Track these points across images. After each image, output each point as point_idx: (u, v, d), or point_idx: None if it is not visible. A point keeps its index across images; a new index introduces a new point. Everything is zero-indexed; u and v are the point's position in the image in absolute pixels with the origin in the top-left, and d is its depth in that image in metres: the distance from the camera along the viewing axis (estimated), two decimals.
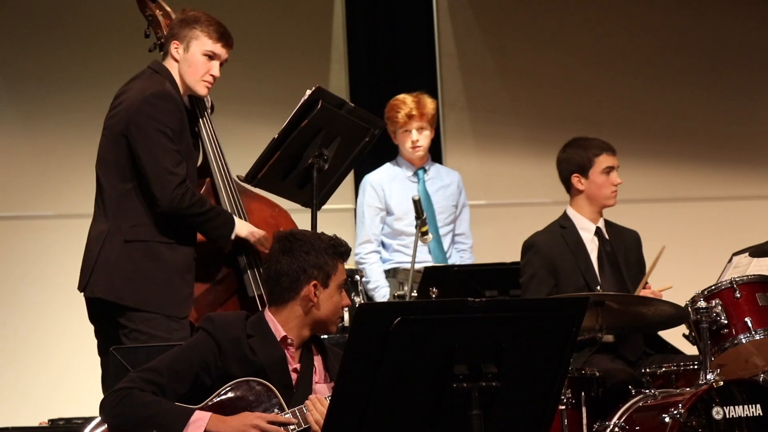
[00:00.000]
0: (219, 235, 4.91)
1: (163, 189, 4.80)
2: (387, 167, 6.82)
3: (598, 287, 5.60)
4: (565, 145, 5.86)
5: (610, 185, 5.73)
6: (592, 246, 5.73)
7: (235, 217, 4.98)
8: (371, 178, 6.79)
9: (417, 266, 6.52)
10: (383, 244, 6.76)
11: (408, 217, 6.65)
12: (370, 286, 6.67)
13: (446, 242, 6.78)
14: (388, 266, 6.72)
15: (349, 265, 5.40)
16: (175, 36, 5.00)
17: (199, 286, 4.98)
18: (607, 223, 5.82)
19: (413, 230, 6.62)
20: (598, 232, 5.75)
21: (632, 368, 5.51)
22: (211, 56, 4.98)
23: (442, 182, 6.84)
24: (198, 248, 4.97)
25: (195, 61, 4.96)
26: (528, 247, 5.73)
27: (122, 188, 4.88)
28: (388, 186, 6.72)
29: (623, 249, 5.77)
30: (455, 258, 6.78)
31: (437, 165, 6.93)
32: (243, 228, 4.96)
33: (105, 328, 4.92)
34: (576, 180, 5.75)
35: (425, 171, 6.80)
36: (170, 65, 4.99)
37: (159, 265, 4.85)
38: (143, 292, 4.81)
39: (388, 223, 6.73)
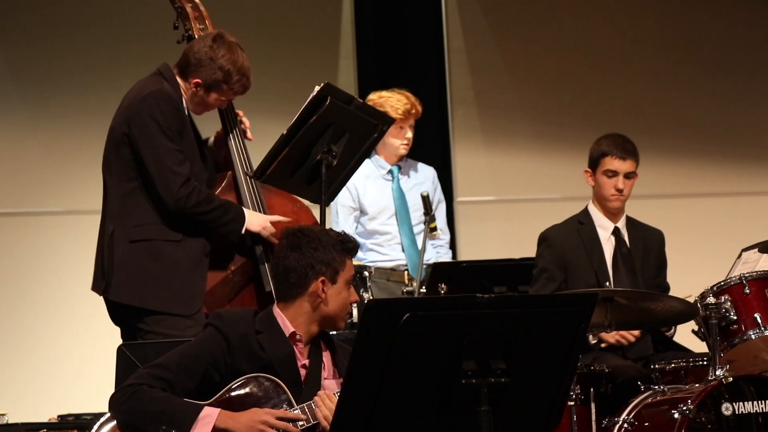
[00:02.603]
0: (228, 230, 4.92)
1: (168, 188, 4.81)
2: (361, 166, 6.70)
3: (608, 284, 5.60)
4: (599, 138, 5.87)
5: (611, 188, 5.70)
6: (608, 245, 5.73)
7: (247, 210, 4.98)
8: None
9: (390, 264, 6.51)
10: None
11: (382, 216, 6.61)
12: None
13: (420, 239, 6.71)
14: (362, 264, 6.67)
15: (356, 261, 5.39)
16: (199, 72, 4.93)
17: (214, 279, 4.98)
18: (630, 222, 5.80)
19: (387, 229, 6.60)
20: (615, 232, 5.74)
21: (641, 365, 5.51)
22: (225, 101, 5.05)
23: (417, 179, 6.74)
24: (213, 242, 4.97)
25: (208, 103, 5.01)
26: (542, 239, 5.75)
27: (126, 188, 4.88)
28: (362, 185, 6.64)
29: (642, 249, 5.75)
30: (431, 253, 6.68)
31: (412, 162, 6.81)
32: (254, 222, 4.96)
33: (125, 329, 4.93)
34: (587, 176, 5.76)
35: (399, 168, 6.73)
36: (179, 79, 4.97)
37: (164, 265, 4.84)
38: (148, 293, 4.81)
39: (362, 223, 6.66)
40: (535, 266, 5.72)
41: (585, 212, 5.80)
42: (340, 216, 6.64)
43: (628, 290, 5.44)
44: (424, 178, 6.77)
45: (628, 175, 5.72)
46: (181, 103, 4.95)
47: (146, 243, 4.85)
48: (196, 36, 5.13)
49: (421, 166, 6.83)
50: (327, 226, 4.73)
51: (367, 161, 6.65)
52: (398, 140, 6.57)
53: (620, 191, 5.69)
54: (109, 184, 4.95)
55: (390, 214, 6.61)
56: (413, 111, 6.56)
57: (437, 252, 6.72)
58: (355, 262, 6.50)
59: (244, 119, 5.22)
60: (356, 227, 6.66)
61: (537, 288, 5.67)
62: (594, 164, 5.75)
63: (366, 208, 6.62)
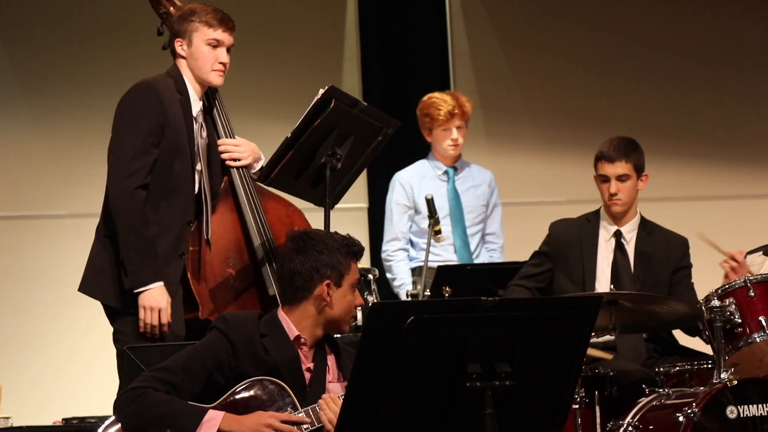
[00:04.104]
0: (128, 271, 4.68)
1: (113, 175, 4.70)
2: (418, 165, 6.82)
3: (610, 286, 5.60)
4: None
5: (605, 192, 5.73)
6: (606, 246, 5.73)
7: (160, 285, 4.69)
8: (401, 176, 6.79)
9: (442, 265, 6.52)
10: (411, 242, 6.75)
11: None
12: (395, 283, 6.68)
13: (474, 242, 6.75)
14: (414, 264, 6.72)
15: (363, 264, 5.39)
16: (176, 33, 4.93)
17: (217, 284, 4.96)
18: (645, 226, 5.79)
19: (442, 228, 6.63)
20: (617, 235, 5.74)
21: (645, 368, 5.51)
22: (215, 44, 4.91)
23: (473, 181, 6.82)
24: (216, 246, 4.96)
25: (200, 54, 4.90)
26: (549, 228, 5.83)
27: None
28: (417, 184, 6.72)
29: (650, 254, 5.73)
30: (484, 257, 6.77)
31: (470, 164, 6.90)
32: (155, 298, 4.67)
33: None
34: (594, 179, 5.79)
35: (456, 170, 6.79)
36: (180, 63, 4.94)
37: None
38: (112, 289, 4.75)
39: (416, 222, 6.72)
40: None
41: (596, 212, 5.83)
42: (395, 213, 6.72)
43: (633, 293, 5.44)
44: (480, 180, 6.84)
45: (621, 178, 5.69)
46: (186, 97, 4.87)
47: (113, 237, 4.77)
48: None
49: (477, 168, 6.90)
50: (332, 229, 4.72)
51: (423, 161, 6.77)
52: (445, 142, 6.65)
53: (613, 195, 5.68)
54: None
55: (444, 215, 6.65)
56: (456, 112, 6.64)
57: (490, 256, 6.79)
58: (412, 263, 6.59)
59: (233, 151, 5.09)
60: (410, 226, 6.71)
61: (527, 266, 5.78)
62: (595, 169, 5.78)
63: (420, 207, 6.69)
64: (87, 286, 4.84)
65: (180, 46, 4.93)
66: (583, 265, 5.69)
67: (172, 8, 5.14)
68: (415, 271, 6.69)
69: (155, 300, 4.69)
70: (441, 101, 6.67)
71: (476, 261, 6.69)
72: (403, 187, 6.71)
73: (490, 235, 6.84)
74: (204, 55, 4.91)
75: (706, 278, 5.74)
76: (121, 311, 4.76)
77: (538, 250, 5.80)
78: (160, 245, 4.76)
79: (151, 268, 4.70)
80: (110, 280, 4.77)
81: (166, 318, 4.69)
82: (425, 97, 6.75)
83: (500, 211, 6.91)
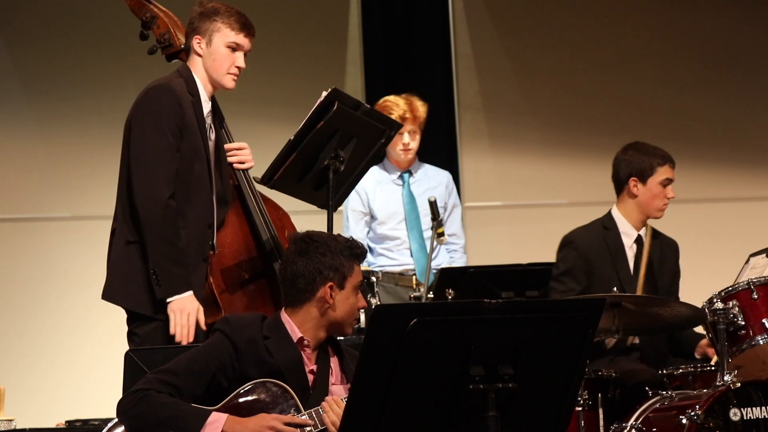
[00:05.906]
0: (156, 276, 4.66)
1: (144, 187, 4.66)
2: (373, 171, 6.66)
3: (615, 289, 5.60)
4: (627, 146, 5.83)
5: (664, 198, 5.74)
6: (629, 253, 5.73)
7: (189, 293, 4.70)
8: None
9: (398, 269, 6.51)
10: (369, 248, 6.70)
11: (391, 221, 6.61)
12: None
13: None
14: (372, 269, 6.67)
15: (364, 266, 5.38)
16: (195, 30, 4.89)
17: (234, 288, 4.95)
18: (653, 232, 5.81)
19: (396, 234, 6.60)
20: (638, 240, 5.74)
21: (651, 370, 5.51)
22: (235, 48, 4.88)
23: (429, 184, 6.73)
24: (229, 250, 4.95)
25: (219, 55, 4.87)
26: (566, 242, 5.74)
27: (128, 187, 4.83)
28: (372, 190, 6.64)
29: (659, 257, 5.76)
30: (443, 258, 6.69)
31: (426, 166, 6.80)
32: (185, 307, 4.67)
33: None
34: (633, 184, 5.73)
35: (411, 174, 6.72)
36: (193, 61, 4.90)
37: None
38: (138, 295, 4.71)
39: (372, 228, 6.67)
40: (556, 269, 5.71)
41: (609, 217, 5.80)
42: (351, 220, 6.66)
43: (635, 295, 5.44)
44: (437, 182, 6.76)
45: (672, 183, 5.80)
46: (197, 98, 4.84)
47: (141, 245, 4.72)
48: (177, 44, 5.08)
49: (434, 170, 6.81)
50: (334, 231, 4.72)
51: (378, 166, 6.67)
52: (397, 147, 6.58)
53: (669, 199, 5.76)
54: (118, 182, 4.88)
55: (399, 219, 6.62)
56: (408, 117, 6.53)
57: (451, 257, 6.71)
58: (363, 267, 6.56)
59: (240, 154, 5.08)
60: (367, 232, 6.67)
61: (562, 290, 5.65)
62: (644, 174, 5.72)
63: (375, 212, 6.63)
64: (112, 294, 4.77)
65: (198, 44, 4.89)
66: (618, 277, 5.66)
67: (156, 9, 5.12)
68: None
69: (187, 305, 4.68)
70: (393, 105, 6.54)
71: (434, 263, 6.61)
72: (358, 194, 6.61)
73: (450, 236, 6.77)
74: (222, 57, 4.89)
75: (710, 282, 5.74)
76: (144, 316, 4.73)
77: (571, 267, 5.68)
78: (187, 252, 4.75)
79: (183, 278, 4.69)
80: (139, 287, 4.72)
81: (201, 318, 4.70)
82: (380, 101, 6.63)
83: (459, 212, 6.83)
